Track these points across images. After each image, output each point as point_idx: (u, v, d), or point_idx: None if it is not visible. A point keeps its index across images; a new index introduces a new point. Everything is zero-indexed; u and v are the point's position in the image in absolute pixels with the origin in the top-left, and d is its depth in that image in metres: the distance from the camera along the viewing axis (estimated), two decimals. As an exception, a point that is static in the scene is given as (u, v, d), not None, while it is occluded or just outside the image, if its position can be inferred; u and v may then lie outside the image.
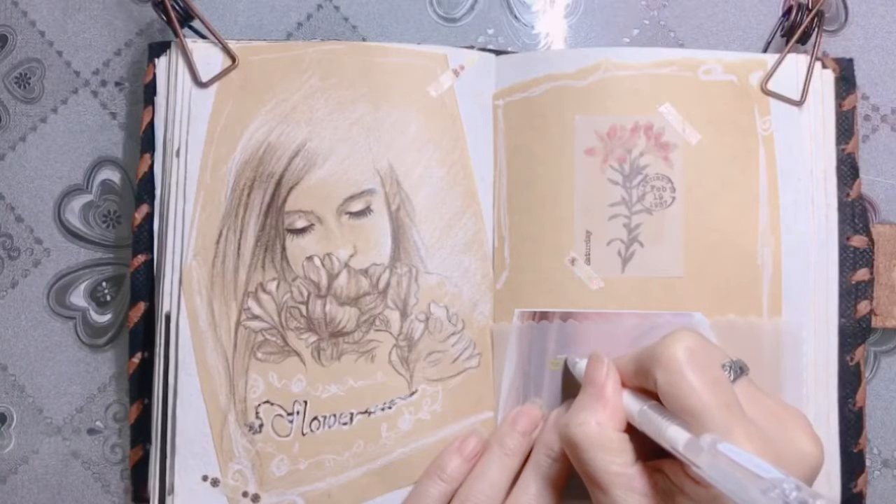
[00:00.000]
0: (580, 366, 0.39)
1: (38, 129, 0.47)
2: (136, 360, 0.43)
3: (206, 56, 0.43)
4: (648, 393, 0.35)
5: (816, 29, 0.43)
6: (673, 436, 0.32)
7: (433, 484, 0.39)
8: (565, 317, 0.41)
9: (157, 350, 0.42)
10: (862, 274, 0.43)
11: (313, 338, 0.42)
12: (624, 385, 0.37)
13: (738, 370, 0.35)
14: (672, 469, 0.33)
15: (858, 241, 0.43)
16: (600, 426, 0.35)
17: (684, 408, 0.32)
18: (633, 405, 0.35)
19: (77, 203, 0.46)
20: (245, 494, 0.41)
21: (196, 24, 0.44)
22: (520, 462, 0.39)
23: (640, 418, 0.35)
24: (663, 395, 0.34)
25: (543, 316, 0.41)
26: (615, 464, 0.34)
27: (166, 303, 0.42)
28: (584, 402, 0.36)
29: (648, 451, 0.35)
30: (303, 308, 0.42)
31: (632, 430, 0.35)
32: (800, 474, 0.32)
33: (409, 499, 0.40)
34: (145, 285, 0.43)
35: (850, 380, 0.42)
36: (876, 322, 0.43)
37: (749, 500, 0.28)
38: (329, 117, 0.43)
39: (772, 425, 0.33)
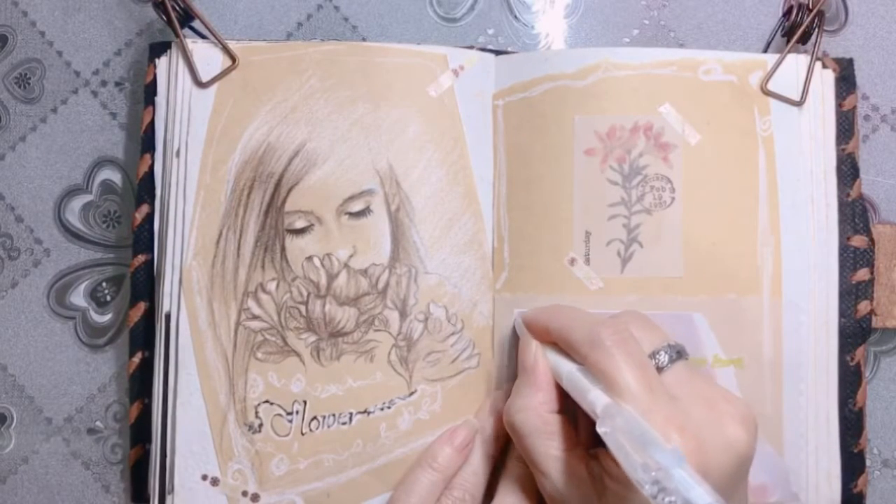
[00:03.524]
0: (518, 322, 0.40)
1: (38, 129, 0.47)
2: (136, 359, 0.43)
3: (207, 56, 0.43)
4: None
5: (817, 29, 0.43)
6: (593, 399, 0.32)
7: (424, 473, 0.39)
8: (565, 317, 0.41)
9: (157, 350, 0.42)
10: (862, 274, 0.43)
11: (313, 338, 0.42)
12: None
13: (676, 354, 0.35)
14: (604, 454, 0.33)
15: (859, 241, 0.43)
16: (536, 410, 0.36)
17: (608, 387, 0.33)
18: (562, 368, 0.36)
19: (77, 203, 0.46)
20: (245, 494, 0.41)
21: (196, 24, 0.44)
22: (499, 448, 0.40)
23: (567, 380, 0.35)
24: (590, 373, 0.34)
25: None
26: (554, 447, 0.35)
27: (166, 303, 0.42)
28: (518, 388, 0.37)
29: (590, 438, 0.35)
30: (302, 308, 0.42)
31: (573, 417, 0.36)
32: (727, 460, 0.32)
33: (400, 488, 0.40)
34: (145, 285, 0.43)
35: (850, 380, 0.42)
36: (876, 322, 0.43)
37: (631, 472, 0.28)
38: (329, 117, 0.43)
39: (700, 410, 0.33)
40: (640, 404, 0.31)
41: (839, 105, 0.43)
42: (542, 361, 0.37)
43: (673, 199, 0.42)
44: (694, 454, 0.30)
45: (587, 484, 0.33)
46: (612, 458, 0.31)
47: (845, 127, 0.43)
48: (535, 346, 0.38)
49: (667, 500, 0.27)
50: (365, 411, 0.41)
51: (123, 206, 0.46)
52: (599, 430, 0.31)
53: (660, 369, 0.34)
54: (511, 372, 0.42)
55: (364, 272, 0.42)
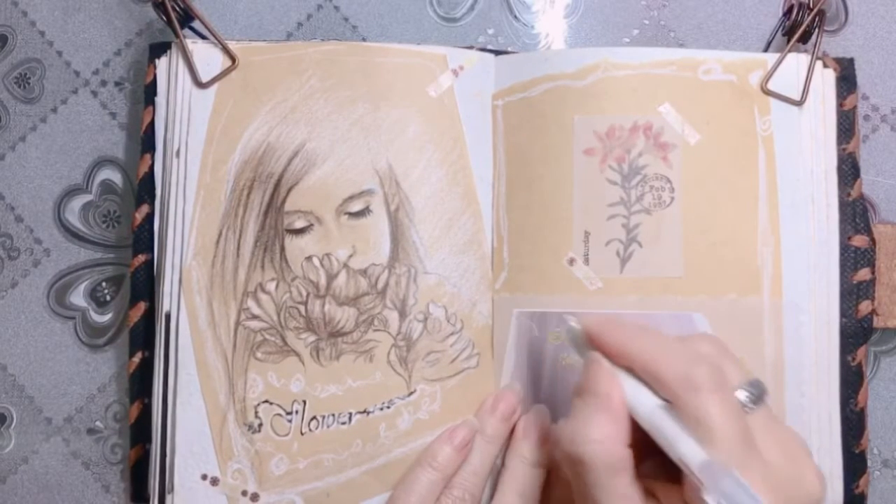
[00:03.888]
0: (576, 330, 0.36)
1: (38, 129, 0.47)
2: (136, 359, 0.43)
3: (207, 56, 0.43)
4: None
5: (817, 28, 0.43)
6: (687, 452, 0.30)
7: (424, 472, 0.39)
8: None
9: (156, 350, 0.42)
10: (863, 274, 0.42)
11: (312, 338, 0.42)
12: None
13: (759, 394, 0.33)
14: (666, 494, 0.31)
15: (859, 240, 0.43)
16: (609, 443, 0.32)
17: (702, 435, 0.30)
18: (642, 402, 0.32)
19: (77, 203, 0.46)
20: (244, 493, 0.41)
21: (196, 24, 0.44)
22: (499, 447, 0.40)
23: (649, 420, 0.32)
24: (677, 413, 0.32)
25: (542, 316, 0.41)
26: (622, 485, 0.31)
27: (166, 303, 0.42)
28: (589, 414, 0.33)
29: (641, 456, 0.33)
30: (302, 308, 0.42)
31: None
32: None
33: (400, 487, 0.40)
34: (145, 285, 0.43)
35: (851, 380, 0.42)
36: (877, 322, 0.43)
37: None
38: (329, 117, 0.43)
39: (784, 463, 0.31)
40: (734, 459, 0.29)
41: (840, 105, 0.43)
42: (619, 389, 0.33)
43: (672, 198, 0.42)
44: None
45: None
46: (675, 501, 0.30)
47: (846, 126, 0.43)
48: (609, 370, 0.34)
49: None
50: (364, 411, 0.41)
51: (123, 206, 0.46)
52: (707, 498, 0.28)
53: (744, 408, 0.32)
54: (518, 371, 0.42)
55: (363, 272, 0.42)
